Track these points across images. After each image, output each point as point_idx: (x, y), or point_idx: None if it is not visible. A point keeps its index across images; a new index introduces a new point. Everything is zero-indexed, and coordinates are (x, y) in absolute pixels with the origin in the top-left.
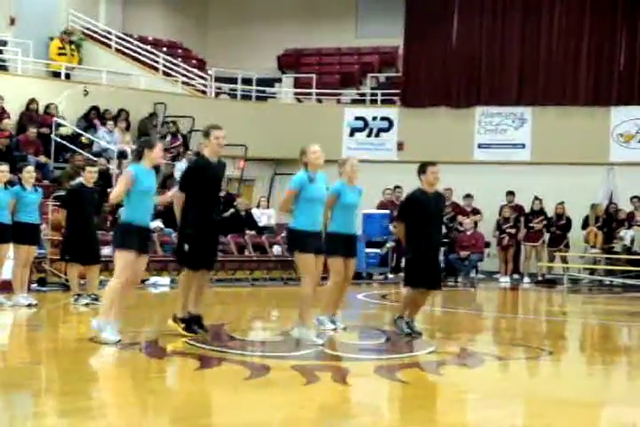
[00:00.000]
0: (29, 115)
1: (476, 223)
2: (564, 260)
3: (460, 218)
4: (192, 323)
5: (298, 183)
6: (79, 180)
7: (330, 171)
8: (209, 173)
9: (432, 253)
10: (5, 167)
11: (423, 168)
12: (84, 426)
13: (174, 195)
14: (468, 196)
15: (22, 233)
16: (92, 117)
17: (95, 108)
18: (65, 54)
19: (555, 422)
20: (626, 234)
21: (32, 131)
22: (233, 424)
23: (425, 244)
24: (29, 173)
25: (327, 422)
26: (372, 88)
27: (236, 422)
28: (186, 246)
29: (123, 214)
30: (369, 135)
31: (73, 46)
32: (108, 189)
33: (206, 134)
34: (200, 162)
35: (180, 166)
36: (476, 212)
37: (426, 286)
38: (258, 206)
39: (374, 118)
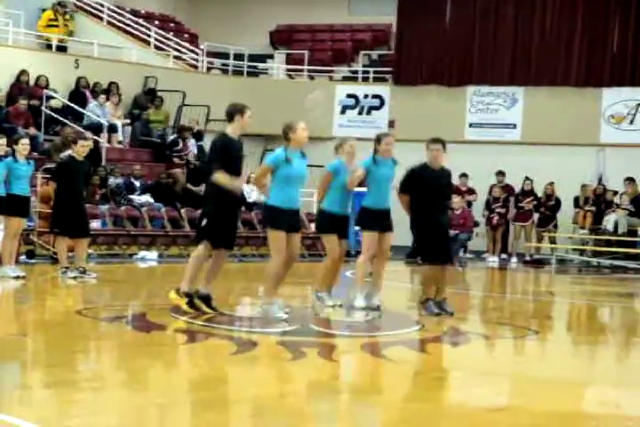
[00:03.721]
0: (20, 86)
1: (470, 203)
2: (552, 240)
3: (454, 197)
4: (198, 300)
5: (273, 162)
6: (68, 152)
7: (321, 148)
8: (233, 150)
9: (438, 227)
10: (3, 140)
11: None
12: (70, 398)
13: None
14: (464, 175)
15: (13, 205)
16: (83, 89)
17: (82, 78)
18: (57, 26)
19: (538, 401)
20: (609, 219)
21: (22, 103)
22: (218, 399)
23: (427, 218)
24: (24, 145)
25: (312, 397)
26: (364, 66)
27: (221, 397)
28: (203, 221)
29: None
30: (360, 113)
31: (67, 16)
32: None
33: (240, 112)
34: (226, 139)
35: None
36: (471, 191)
37: (440, 261)
38: (247, 182)
39: (366, 96)
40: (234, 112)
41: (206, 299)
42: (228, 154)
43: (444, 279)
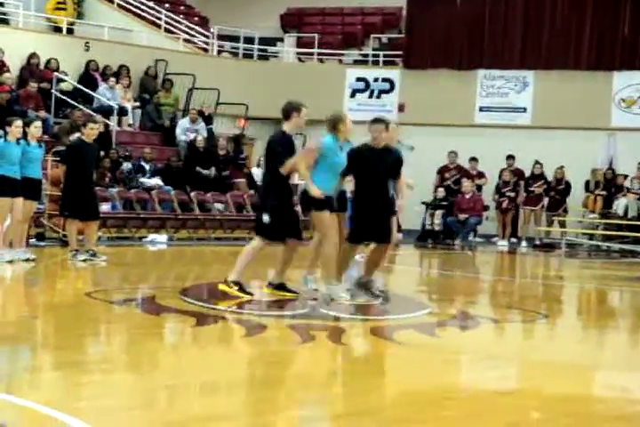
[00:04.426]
0: (30, 69)
1: (480, 187)
2: (562, 224)
3: (463, 181)
4: (280, 289)
5: (323, 148)
6: (78, 135)
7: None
8: (291, 147)
9: (376, 206)
10: (20, 122)
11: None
12: (79, 380)
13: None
14: (474, 159)
15: (25, 188)
16: (93, 72)
17: (92, 61)
18: (65, 9)
19: (547, 385)
20: (619, 204)
21: (32, 85)
22: (229, 381)
23: (367, 199)
24: (37, 127)
25: (321, 380)
26: (374, 49)
27: (231, 380)
28: (265, 218)
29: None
30: (370, 96)
31: (77, 1)
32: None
33: (297, 110)
34: (285, 137)
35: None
36: (481, 175)
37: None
38: (257, 166)
39: (376, 79)
40: (291, 110)
41: (283, 286)
42: (286, 150)
43: (379, 259)
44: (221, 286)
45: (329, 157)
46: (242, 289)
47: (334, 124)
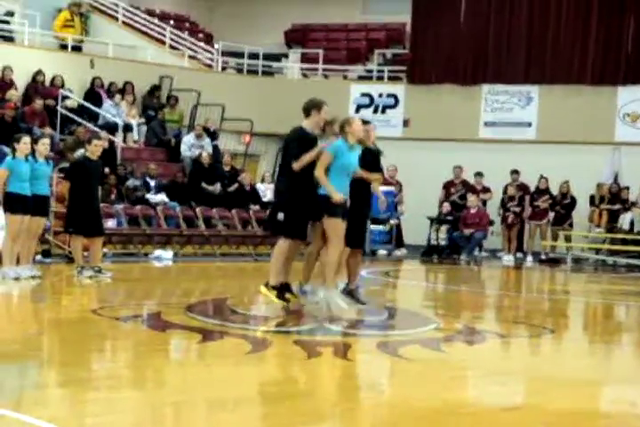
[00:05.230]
0: (35, 86)
1: (485, 202)
2: (567, 239)
3: (469, 196)
4: (284, 291)
5: (334, 151)
6: (82, 152)
7: None
8: (308, 144)
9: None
10: (28, 139)
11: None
12: (84, 397)
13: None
14: (479, 174)
15: (33, 205)
16: (98, 89)
17: (97, 78)
18: (72, 26)
19: (555, 400)
20: (624, 218)
21: (38, 102)
22: (235, 398)
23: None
24: (44, 144)
25: (327, 396)
26: (378, 64)
27: (237, 396)
28: (279, 215)
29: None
30: (375, 112)
31: (83, 19)
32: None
33: (318, 107)
34: (302, 132)
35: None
36: (486, 190)
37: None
38: (262, 181)
39: (380, 95)
40: (311, 107)
41: (287, 287)
42: (302, 146)
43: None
44: (262, 289)
45: (339, 158)
46: (280, 295)
47: (341, 126)
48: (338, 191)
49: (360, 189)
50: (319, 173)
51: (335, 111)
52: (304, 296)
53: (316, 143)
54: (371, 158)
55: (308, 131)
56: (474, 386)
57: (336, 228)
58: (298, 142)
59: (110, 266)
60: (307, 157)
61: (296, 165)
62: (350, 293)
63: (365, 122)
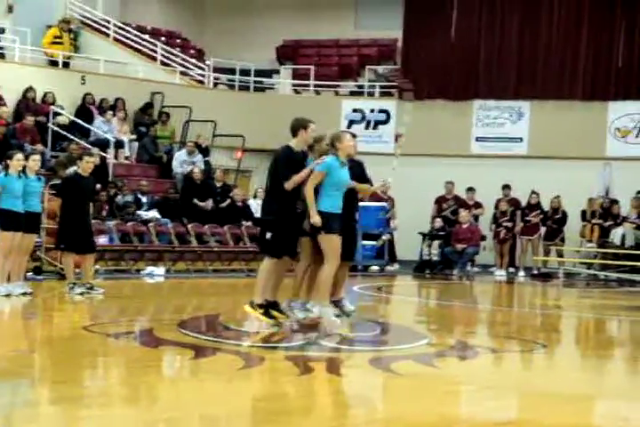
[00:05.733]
0: (26, 103)
1: (477, 217)
2: (559, 254)
3: (461, 211)
4: (269, 309)
5: (326, 168)
6: (73, 169)
7: None
8: (296, 162)
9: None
10: (21, 156)
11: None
12: (77, 414)
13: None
14: (470, 189)
15: (25, 221)
16: (89, 105)
17: (88, 94)
18: (61, 43)
19: (548, 415)
20: (616, 233)
21: (29, 119)
22: (227, 414)
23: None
24: (35, 161)
25: (320, 412)
26: (370, 80)
27: (230, 412)
28: (268, 234)
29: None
30: (366, 127)
31: (72, 35)
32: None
33: (304, 127)
34: (289, 152)
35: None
36: (478, 205)
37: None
38: (254, 197)
39: (372, 110)
40: (297, 127)
41: (275, 305)
42: (291, 166)
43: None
44: (246, 307)
45: (332, 175)
46: (267, 313)
47: (332, 142)
48: (332, 208)
49: (347, 201)
50: (308, 191)
51: (327, 127)
52: (292, 312)
53: (304, 161)
54: (359, 170)
55: (295, 150)
56: (467, 401)
57: (332, 244)
58: (286, 162)
59: (102, 283)
60: (297, 178)
61: (288, 186)
62: (335, 303)
63: (354, 135)
